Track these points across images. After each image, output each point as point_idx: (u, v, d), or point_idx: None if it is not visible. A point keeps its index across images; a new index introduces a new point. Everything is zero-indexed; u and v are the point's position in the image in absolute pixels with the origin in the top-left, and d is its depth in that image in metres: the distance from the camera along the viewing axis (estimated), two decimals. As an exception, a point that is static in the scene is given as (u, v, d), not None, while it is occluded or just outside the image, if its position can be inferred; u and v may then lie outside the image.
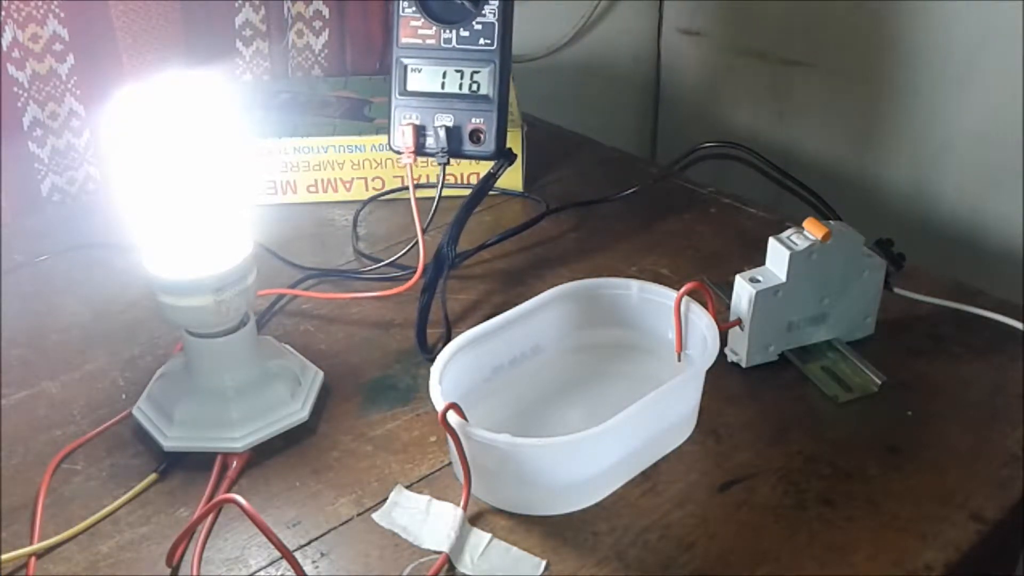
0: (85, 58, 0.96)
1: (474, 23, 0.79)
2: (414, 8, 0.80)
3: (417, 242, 0.82)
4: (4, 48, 0.91)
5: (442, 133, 0.80)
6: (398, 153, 0.83)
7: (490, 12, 0.79)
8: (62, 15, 0.93)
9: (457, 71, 0.80)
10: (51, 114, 0.96)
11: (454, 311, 0.82)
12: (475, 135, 0.80)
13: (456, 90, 0.80)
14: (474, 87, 0.80)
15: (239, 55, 1.07)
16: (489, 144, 0.80)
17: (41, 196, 0.99)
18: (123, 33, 0.97)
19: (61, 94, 0.96)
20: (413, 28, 0.79)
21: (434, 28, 0.80)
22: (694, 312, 0.70)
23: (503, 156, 0.82)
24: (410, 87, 0.81)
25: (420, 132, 0.81)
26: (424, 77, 0.80)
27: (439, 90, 0.80)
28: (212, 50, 1.04)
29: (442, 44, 0.79)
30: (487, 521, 0.63)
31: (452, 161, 0.84)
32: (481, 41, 0.79)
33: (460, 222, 0.81)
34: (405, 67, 0.81)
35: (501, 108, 0.80)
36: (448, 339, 0.77)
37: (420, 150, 0.81)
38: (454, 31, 0.79)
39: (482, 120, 0.80)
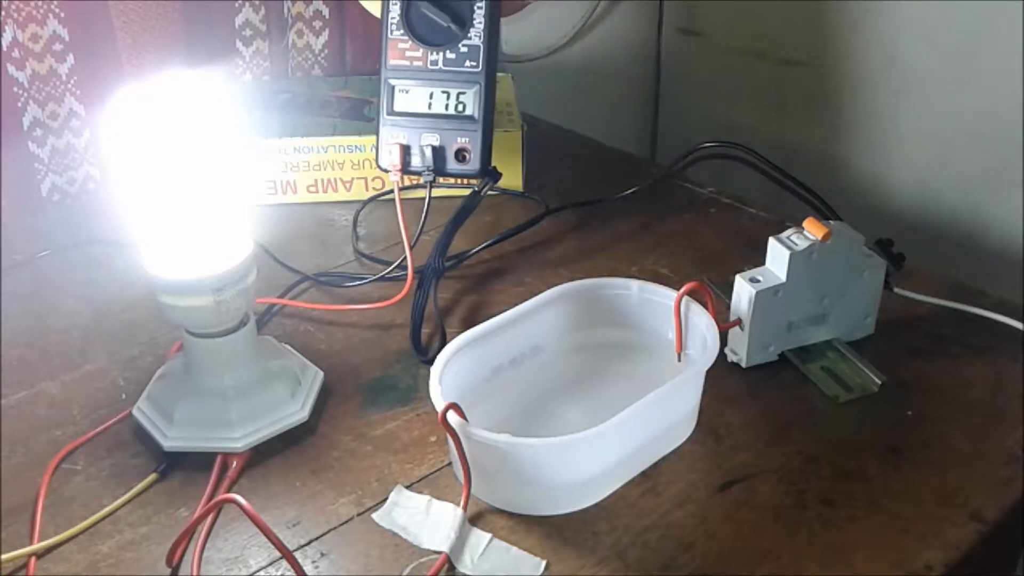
0: (85, 58, 0.96)
1: (460, 45, 0.81)
2: (402, 31, 0.81)
3: (406, 256, 0.83)
4: (4, 48, 0.91)
5: (428, 152, 0.82)
6: (385, 171, 0.84)
7: (475, 35, 0.80)
8: (62, 15, 0.93)
9: (443, 92, 0.81)
10: (51, 114, 0.96)
11: (452, 311, 0.82)
12: (460, 154, 0.82)
13: (442, 110, 0.82)
14: (460, 107, 0.81)
15: (239, 55, 1.07)
16: (474, 163, 0.82)
17: (41, 196, 0.99)
18: (123, 33, 0.97)
19: (61, 94, 0.96)
20: (401, 50, 0.81)
21: (421, 50, 0.82)
22: (694, 312, 0.70)
23: (488, 175, 0.83)
24: (397, 107, 0.82)
25: (407, 151, 0.82)
26: (411, 98, 0.82)
27: (426, 110, 0.82)
28: (212, 50, 1.04)
29: (429, 66, 0.81)
30: (487, 521, 0.63)
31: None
32: (467, 63, 0.81)
33: (447, 237, 0.83)
34: (392, 88, 0.83)
35: (486, 127, 0.82)
36: (443, 343, 0.77)
37: (406, 168, 0.82)
38: (441, 53, 0.81)
39: (467, 140, 0.81)
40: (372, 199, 0.98)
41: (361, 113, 1.00)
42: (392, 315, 0.82)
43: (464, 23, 0.81)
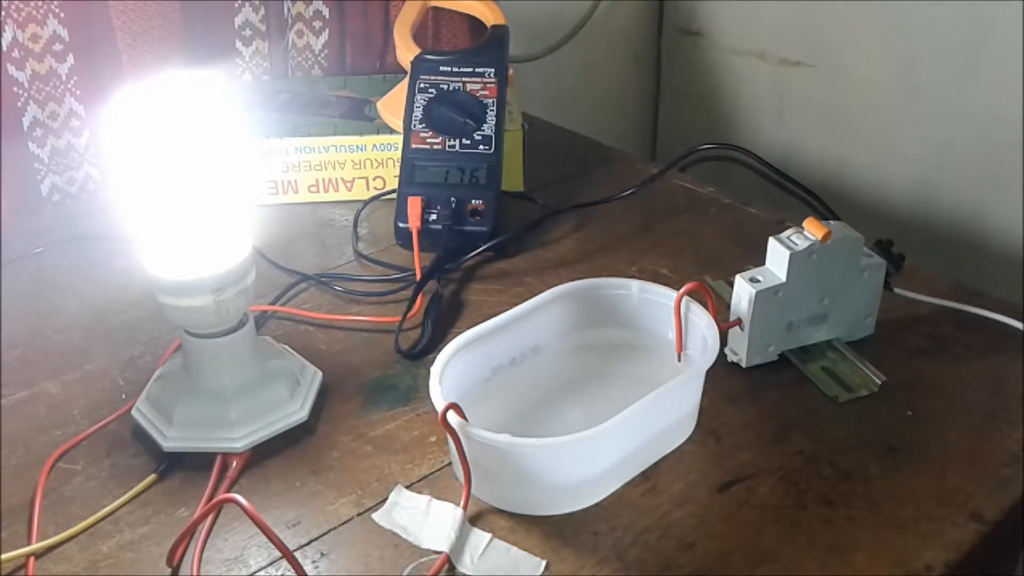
0: (85, 58, 0.96)
1: (474, 134, 0.90)
2: (424, 125, 0.91)
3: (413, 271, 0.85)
4: (4, 48, 0.91)
5: (446, 210, 0.88)
6: (403, 225, 0.89)
7: (488, 128, 0.90)
8: (62, 15, 0.93)
9: (459, 169, 0.90)
10: (51, 114, 0.96)
11: (453, 311, 0.82)
12: (475, 212, 0.89)
13: (458, 182, 0.90)
14: (474, 180, 0.90)
15: (239, 55, 1.07)
16: (487, 221, 0.89)
17: (41, 196, 0.99)
18: (123, 33, 0.97)
19: (61, 94, 0.96)
20: (423, 138, 0.90)
21: (440, 138, 0.90)
22: (694, 312, 0.70)
23: (496, 236, 0.89)
24: (417, 179, 0.90)
25: (426, 208, 0.89)
26: (430, 172, 0.90)
27: (443, 182, 0.90)
28: (212, 50, 1.04)
29: (447, 149, 0.90)
30: (487, 521, 0.63)
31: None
32: (480, 148, 0.90)
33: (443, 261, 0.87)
34: (414, 165, 0.90)
35: (497, 192, 0.90)
36: (441, 343, 0.77)
37: (425, 225, 0.88)
38: (457, 140, 0.90)
39: (481, 202, 0.89)
40: (372, 199, 0.98)
41: (361, 113, 1.00)
42: (392, 315, 0.82)
43: (479, 119, 0.90)
